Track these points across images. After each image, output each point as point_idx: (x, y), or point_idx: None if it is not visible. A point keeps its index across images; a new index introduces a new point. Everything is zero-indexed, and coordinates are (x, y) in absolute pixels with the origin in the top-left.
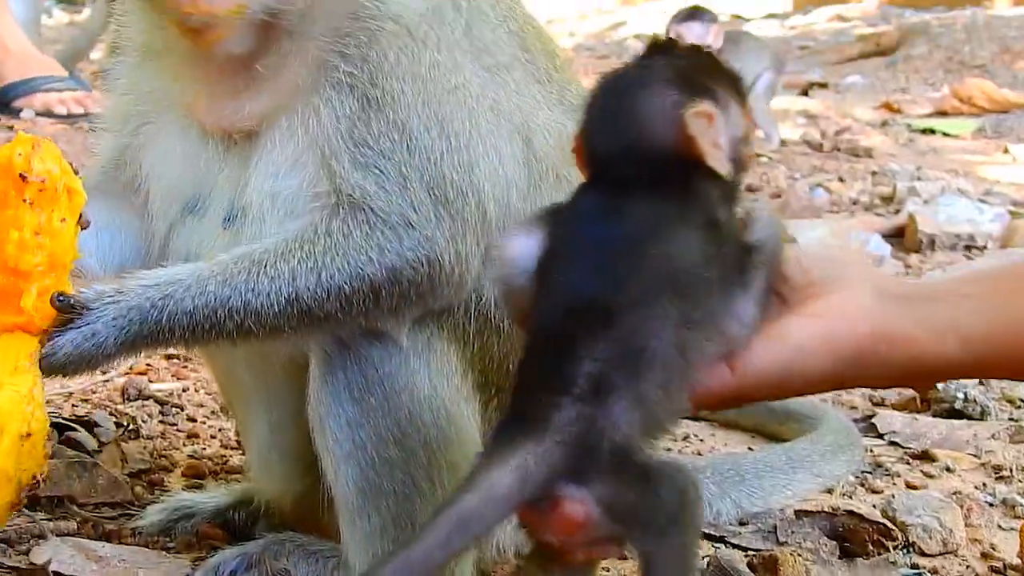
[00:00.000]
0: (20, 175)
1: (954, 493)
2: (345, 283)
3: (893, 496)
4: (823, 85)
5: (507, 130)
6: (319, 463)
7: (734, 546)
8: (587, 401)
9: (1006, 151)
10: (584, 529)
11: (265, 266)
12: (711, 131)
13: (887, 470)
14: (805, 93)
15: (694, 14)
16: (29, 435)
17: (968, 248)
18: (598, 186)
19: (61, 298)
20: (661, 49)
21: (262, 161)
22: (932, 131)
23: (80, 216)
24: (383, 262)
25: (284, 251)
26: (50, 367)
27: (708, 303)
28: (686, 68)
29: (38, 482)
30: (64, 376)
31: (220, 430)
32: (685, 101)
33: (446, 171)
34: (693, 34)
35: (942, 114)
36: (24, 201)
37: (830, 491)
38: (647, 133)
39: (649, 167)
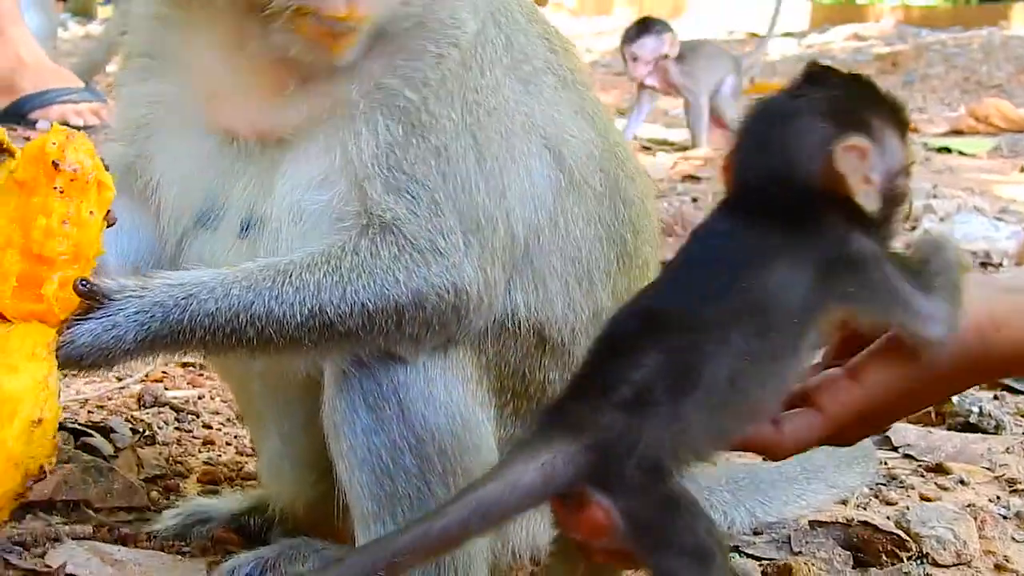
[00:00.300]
0: (53, 163)
1: (968, 506)
2: (369, 301)
3: (907, 508)
4: None
5: (538, 146)
6: (332, 470)
7: (748, 555)
8: (626, 409)
9: (1022, 170)
10: (607, 535)
11: (291, 276)
12: (862, 166)
13: (901, 482)
14: None
15: (645, 28)
16: (40, 421)
17: (984, 265)
18: (734, 207)
19: (84, 283)
20: (818, 77)
21: (290, 172)
22: (948, 150)
23: (108, 212)
24: (409, 285)
25: (310, 264)
26: (67, 357)
27: (784, 341)
28: (842, 99)
29: (45, 474)
30: (80, 369)
31: (236, 437)
32: (836, 135)
33: (479, 199)
34: (647, 50)
35: (958, 133)
36: (54, 189)
37: (844, 502)
38: (794, 164)
39: (789, 198)
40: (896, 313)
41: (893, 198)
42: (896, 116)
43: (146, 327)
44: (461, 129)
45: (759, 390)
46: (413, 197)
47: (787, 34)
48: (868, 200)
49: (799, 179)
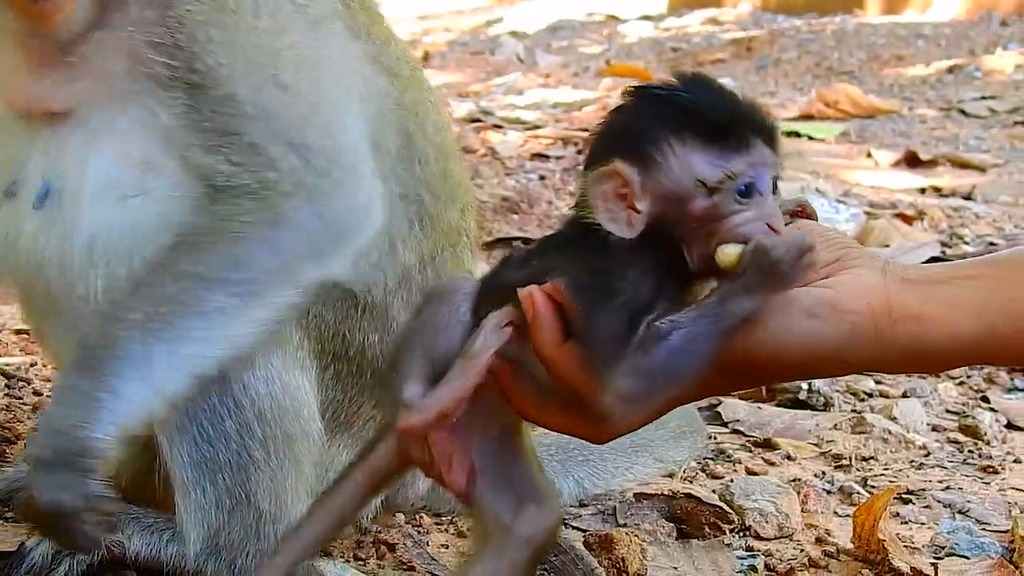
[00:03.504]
0: None
1: (793, 480)
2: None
3: (732, 481)
4: None
5: (347, 74)
6: (154, 439)
7: (572, 527)
8: None
9: (869, 155)
10: None
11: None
12: (619, 192)
13: (729, 457)
14: None
15: None
16: None
17: None
18: None
19: None
20: (633, 94)
21: (91, 146)
22: (797, 134)
23: None
24: (292, 228)
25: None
26: None
27: None
28: (628, 120)
29: None
30: None
31: None
32: (597, 161)
33: (293, 118)
34: None
35: (808, 118)
36: None
37: (671, 475)
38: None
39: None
40: None
41: (683, 221)
42: (707, 132)
43: None
44: (242, 73)
45: None
46: (229, 148)
47: (644, 17)
48: (615, 228)
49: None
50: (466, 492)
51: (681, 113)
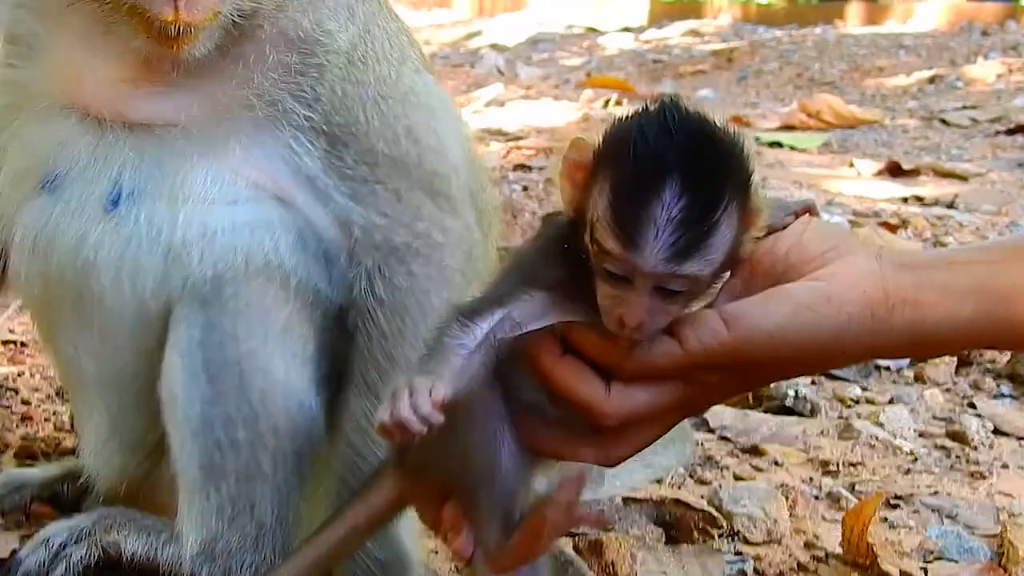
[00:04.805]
0: None
1: (781, 485)
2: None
3: (720, 487)
4: None
5: (452, 117)
6: (158, 448)
7: None
8: None
9: (851, 165)
10: None
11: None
12: (578, 162)
13: (717, 463)
14: None
15: None
16: None
17: None
18: None
19: None
20: (659, 102)
21: (192, 161)
22: (780, 144)
23: None
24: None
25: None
26: None
27: None
28: (625, 122)
29: None
30: None
31: (54, 413)
32: None
33: (424, 167)
34: None
35: (790, 128)
36: None
37: (659, 481)
38: None
39: None
40: None
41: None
42: (623, 199)
43: None
44: (377, 125)
45: None
46: (375, 196)
47: (625, 29)
48: (564, 201)
49: None
50: (470, 557)
51: (634, 162)
